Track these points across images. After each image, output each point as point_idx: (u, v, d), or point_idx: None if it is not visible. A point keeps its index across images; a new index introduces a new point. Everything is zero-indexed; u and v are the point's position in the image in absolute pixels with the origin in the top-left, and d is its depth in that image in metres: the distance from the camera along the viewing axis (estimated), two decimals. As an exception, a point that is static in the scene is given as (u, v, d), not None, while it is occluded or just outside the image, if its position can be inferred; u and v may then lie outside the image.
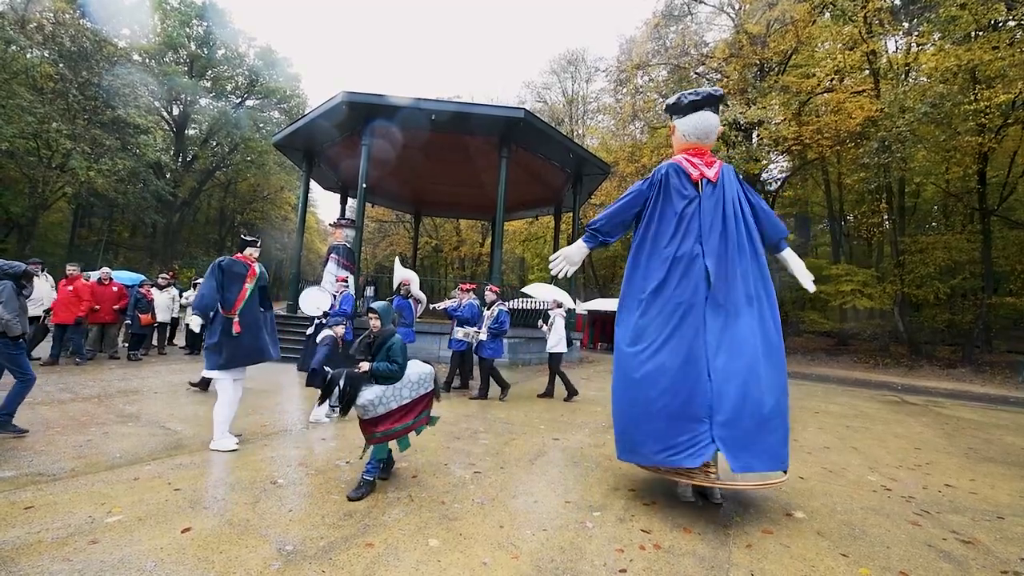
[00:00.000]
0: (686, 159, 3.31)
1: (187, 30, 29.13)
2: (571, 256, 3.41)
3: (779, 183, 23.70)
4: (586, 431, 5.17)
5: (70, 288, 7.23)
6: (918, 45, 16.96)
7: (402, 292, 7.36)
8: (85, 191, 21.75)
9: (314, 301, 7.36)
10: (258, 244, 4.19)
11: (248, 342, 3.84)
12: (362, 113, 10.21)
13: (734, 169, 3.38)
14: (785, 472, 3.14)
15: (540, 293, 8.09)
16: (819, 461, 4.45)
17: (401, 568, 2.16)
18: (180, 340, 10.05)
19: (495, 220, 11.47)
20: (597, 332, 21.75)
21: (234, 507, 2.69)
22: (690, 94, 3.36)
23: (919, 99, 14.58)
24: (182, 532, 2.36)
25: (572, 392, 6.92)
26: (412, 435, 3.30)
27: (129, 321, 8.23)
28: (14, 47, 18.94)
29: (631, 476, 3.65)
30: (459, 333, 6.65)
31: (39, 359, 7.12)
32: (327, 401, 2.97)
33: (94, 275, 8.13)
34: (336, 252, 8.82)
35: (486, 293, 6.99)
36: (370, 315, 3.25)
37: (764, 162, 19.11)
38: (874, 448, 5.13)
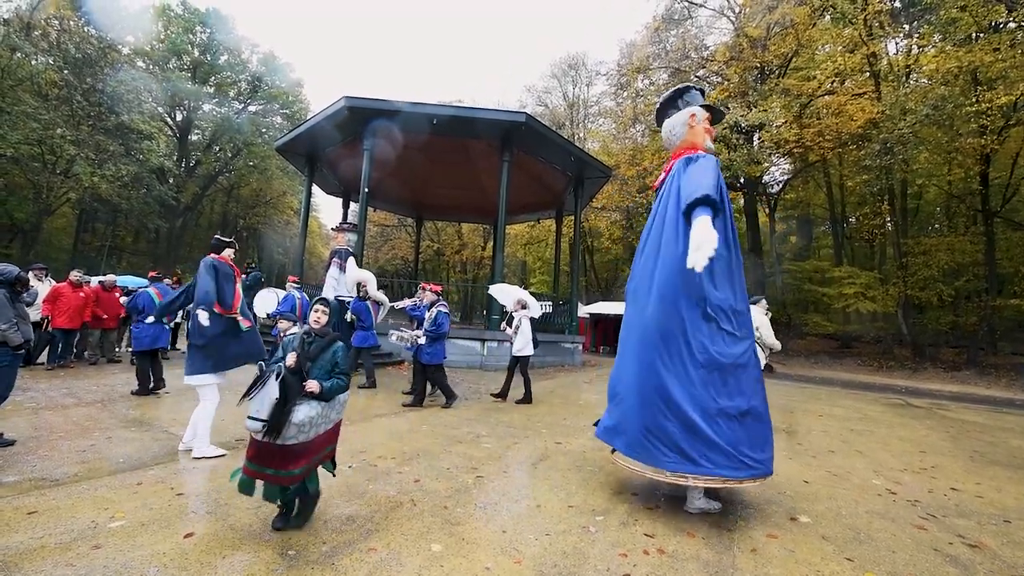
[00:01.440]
0: (674, 158, 3.34)
1: (191, 36, 29.39)
2: (713, 238, 2.62)
3: (781, 185, 23.71)
4: (589, 435, 5.16)
5: (82, 294, 7.33)
6: (919, 47, 17.00)
7: (360, 294, 7.31)
8: (89, 196, 21.91)
9: (262, 303, 7.28)
10: (235, 246, 4.16)
11: (249, 340, 3.90)
12: (364, 117, 10.25)
13: (687, 158, 3.12)
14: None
15: (503, 295, 7.86)
16: (823, 465, 4.42)
17: (403, 573, 2.15)
18: (183, 345, 10.08)
19: (497, 224, 11.49)
20: (600, 336, 21.72)
21: (237, 512, 2.69)
22: (672, 92, 3.44)
23: (920, 101, 14.59)
24: (185, 537, 2.36)
25: (527, 399, 6.73)
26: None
27: (393, 339, 8.27)
28: (19, 54, 19.13)
29: (634, 480, 3.63)
30: (393, 336, 6.33)
31: (43, 364, 7.16)
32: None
33: (124, 281, 8.26)
34: (338, 256, 8.82)
35: (427, 293, 6.58)
36: (319, 307, 2.68)
37: (765, 165, 19.12)
38: (879, 451, 5.10)
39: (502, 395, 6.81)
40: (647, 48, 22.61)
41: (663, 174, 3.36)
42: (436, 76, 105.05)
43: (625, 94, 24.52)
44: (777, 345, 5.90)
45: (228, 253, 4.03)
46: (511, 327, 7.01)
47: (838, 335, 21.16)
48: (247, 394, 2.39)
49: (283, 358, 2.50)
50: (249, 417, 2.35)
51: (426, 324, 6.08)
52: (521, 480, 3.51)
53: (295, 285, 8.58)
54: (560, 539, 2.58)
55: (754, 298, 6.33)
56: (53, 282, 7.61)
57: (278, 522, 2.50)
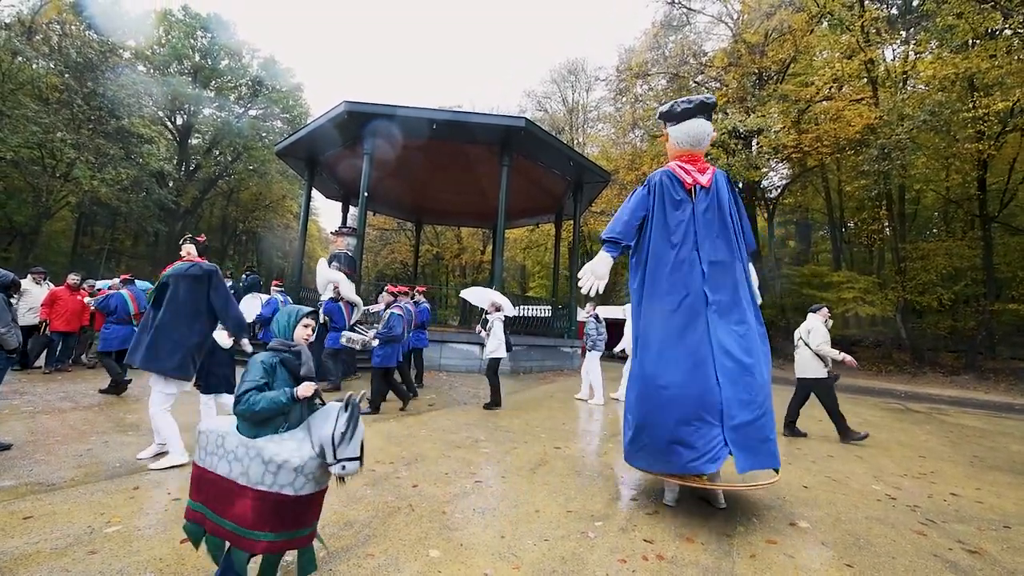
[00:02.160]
0: (678, 166, 3.39)
1: (192, 41, 29.52)
2: (597, 270, 3.28)
3: (779, 190, 23.79)
4: (587, 440, 5.15)
5: (79, 298, 7.31)
6: (916, 54, 17.12)
7: (333, 295, 7.27)
8: (88, 200, 21.92)
9: (245, 308, 7.21)
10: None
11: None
12: (363, 122, 10.28)
13: (726, 175, 3.46)
14: (777, 471, 3.21)
15: (477, 297, 7.84)
16: (823, 470, 4.41)
17: (401, 579, 2.14)
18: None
19: (496, 228, 11.50)
20: (598, 339, 21.68)
21: (234, 517, 2.67)
22: (683, 102, 3.42)
23: (918, 107, 14.68)
24: (181, 542, 2.34)
25: (495, 403, 6.52)
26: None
27: (342, 342, 8.29)
28: (20, 58, 19.19)
29: (633, 485, 3.62)
30: (343, 339, 6.21)
31: (40, 367, 7.13)
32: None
33: (103, 283, 8.25)
34: (338, 260, 8.84)
35: (383, 294, 6.48)
36: (308, 322, 2.12)
37: (764, 170, 19.20)
38: (878, 456, 5.09)
39: (494, 403, 6.60)
40: (646, 53, 22.75)
41: (702, 174, 3.35)
42: (435, 81, 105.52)
43: (624, 99, 24.63)
44: (833, 354, 5.71)
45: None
46: (485, 329, 6.90)
47: (836, 340, 21.14)
48: (340, 440, 1.77)
49: (274, 382, 1.90)
50: (348, 459, 1.79)
51: (380, 326, 5.88)
52: (519, 485, 3.50)
53: (279, 288, 8.49)
54: (559, 544, 2.57)
55: (814, 306, 6.28)
56: (52, 286, 7.60)
57: None
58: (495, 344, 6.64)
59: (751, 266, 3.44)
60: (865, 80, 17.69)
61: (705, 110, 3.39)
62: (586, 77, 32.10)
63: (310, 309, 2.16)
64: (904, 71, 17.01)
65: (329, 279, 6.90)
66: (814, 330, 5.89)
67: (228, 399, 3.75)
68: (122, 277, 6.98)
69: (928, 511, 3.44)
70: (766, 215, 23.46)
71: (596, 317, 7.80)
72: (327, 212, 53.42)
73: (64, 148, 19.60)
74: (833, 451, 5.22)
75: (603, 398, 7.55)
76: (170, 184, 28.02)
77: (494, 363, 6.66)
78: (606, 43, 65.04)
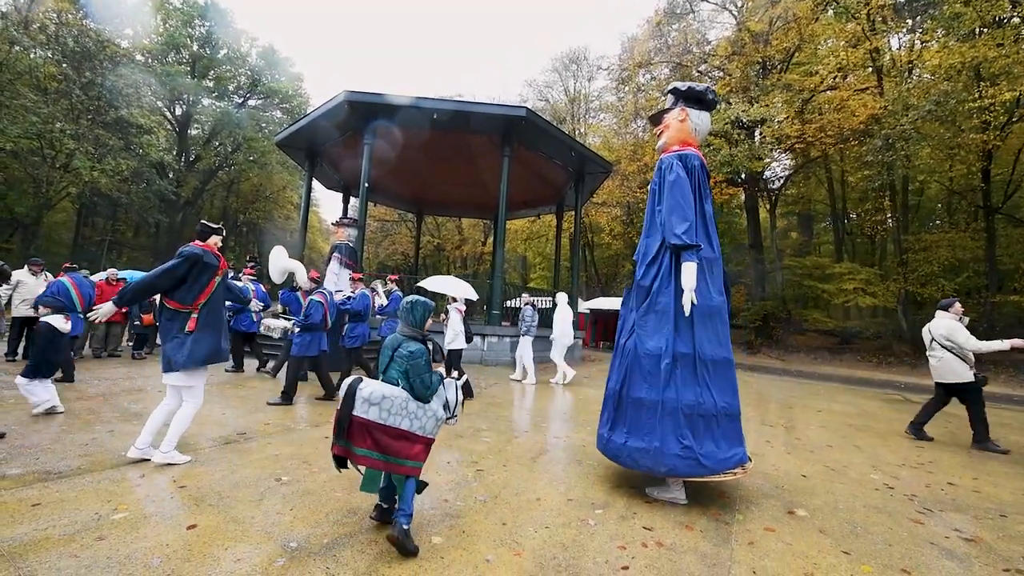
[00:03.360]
0: (700, 154, 3.25)
1: (189, 30, 29.22)
2: (692, 283, 2.96)
3: (782, 181, 23.66)
4: (588, 430, 5.18)
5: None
6: (921, 42, 16.92)
7: (291, 284, 7.26)
8: (89, 191, 21.86)
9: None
10: (223, 233, 3.79)
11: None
12: (364, 112, 10.22)
13: None
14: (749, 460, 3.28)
15: (441, 287, 7.93)
16: (821, 459, 4.44)
17: (405, 565, 2.17)
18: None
19: (497, 219, 11.48)
20: (600, 331, 21.76)
21: (239, 504, 2.71)
22: (713, 92, 3.28)
23: (923, 96, 14.54)
24: (187, 529, 2.38)
25: (468, 394, 6.61)
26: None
27: (137, 321, 8.31)
28: (17, 48, 19.04)
29: (633, 475, 3.65)
30: (261, 326, 6.15)
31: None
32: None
33: (100, 275, 8.21)
34: (339, 251, 8.84)
35: (307, 280, 6.43)
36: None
37: (767, 160, 19.07)
38: (877, 447, 5.12)
39: (467, 395, 6.61)
40: (648, 42, 22.51)
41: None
42: (435, 70, 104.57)
43: (626, 89, 24.41)
44: (995, 346, 5.14)
45: (214, 241, 3.65)
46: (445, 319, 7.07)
47: (838, 331, 21.20)
48: (456, 404, 2.63)
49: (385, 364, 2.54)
50: (454, 416, 2.64)
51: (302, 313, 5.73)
52: (520, 474, 3.53)
53: (251, 277, 8.16)
54: (559, 532, 2.60)
55: (943, 301, 5.66)
56: (50, 277, 7.61)
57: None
58: (451, 335, 6.65)
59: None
60: (870, 69, 17.51)
61: (715, 108, 3.37)
62: (588, 66, 31.80)
63: (433, 304, 2.71)
64: (910, 60, 16.82)
65: (286, 268, 6.81)
66: (955, 331, 5.29)
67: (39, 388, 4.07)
68: (64, 265, 6.56)
69: (925, 500, 3.47)
70: (768, 206, 23.35)
71: (532, 305, 8.51)
72: (328, 203, 53.37)
73: (63, 139, 19.51)
74: (832, 441, 5.25)
75: (535, 378, 8.17)
76: (170, 175, 27.94)
77: (454, 356, 6.67)
78: (608, 32, 64.33)
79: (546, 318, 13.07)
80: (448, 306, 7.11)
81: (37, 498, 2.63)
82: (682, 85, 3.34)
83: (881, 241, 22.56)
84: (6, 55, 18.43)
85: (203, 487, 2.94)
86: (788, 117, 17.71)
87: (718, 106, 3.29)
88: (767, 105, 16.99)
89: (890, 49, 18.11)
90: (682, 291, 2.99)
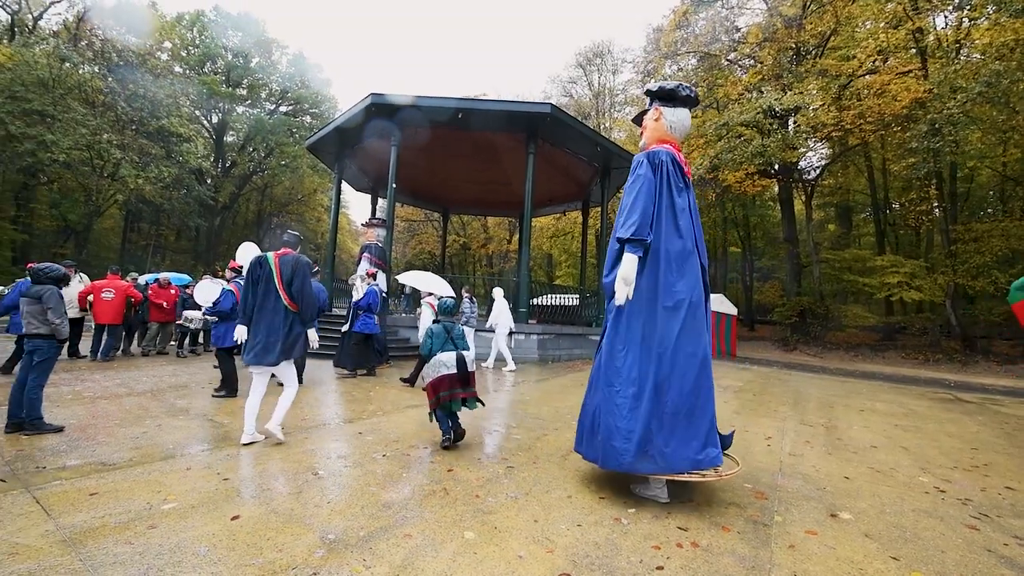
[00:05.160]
0: (676, 151, 3.21)
1: (224, 41, 30.32)
2: (628, 276, 2.96)
3: (818, 171, 22.76)
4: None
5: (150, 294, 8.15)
6: (970, 20, 15.88)
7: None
8: (134, 198, 23.00)
9: (204, 293, 7.22)
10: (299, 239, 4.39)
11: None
12: (390, 114, 10.38)
13: None
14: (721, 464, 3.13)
15: (415, 282, 8.02)
16: (865, 461, 4.26)
17: (439, 559, 2.20)
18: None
19: (523, 217, 11.47)
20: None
21: (278, 497, 2.80)
22: (686, 88, 3.24)
23: (972, 78, 13.69)
24: (231, 519, 2.48)
25: (412, 380, 6.76)
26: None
27: (180, 321, 8.73)
28: (68, 64, 20.18)
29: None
30: (181, 318, 6.46)
31: (85, 356, 7.65)
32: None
33: (149, 277, 8.80)
34: (368, 251, 9.02)
35: (227, 271, 6.49)
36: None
37: (802, 150, 18.36)
38: (926, 448, 4.87)
39: (410, 380, 6.82)
40: (675, 33, 21.99)
41: (686, 166, 3.27)
42: (458, 69, 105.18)
43: (652, 81, 23.93)
44: None
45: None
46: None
47: (879, 327, 20.25)
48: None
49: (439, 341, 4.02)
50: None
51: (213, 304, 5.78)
52: (551, 471, 3.52)
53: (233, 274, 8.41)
54: (592, 530, 2.58)
55: None
56: (85, 278, 8.05)
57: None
58: (423, 329, 6.86)
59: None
60: (913, 51, 16.60)
61: (696, 104, 3.35)
62: (612, 59, 31.36)
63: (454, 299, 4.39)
64: (957, 39, 15.84)
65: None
66: None
67: None
68: (28, 265, 6.62)
69: (981, 505, 3.28)
70: (803, 197, 22.49)
71: (471, 298, 9.03)
72: (356, 205, 54.56)
73: (110, 149, 20.58)
74: (876, 442, 5.03)
75: (513, 364, 9.03)
76: (208, 181, 29.10)
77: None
78: (633, 24, 63.24)
79: (567, 314, 13.01)
80: (423, 301, 7.41)
81: (94, 488, 2.79)
82: (653, 85, 3.32)
83: (927, 232, 21.41)
84: (58, 71, 19.56)
85: (245, 479, 3.06)
86: (824, 104, 16.99)
87: (692, 97, 3.33)
88: (801, 92, 16.35)
89: (935, 28, 17.10)
90: (641, 288, 3.00)
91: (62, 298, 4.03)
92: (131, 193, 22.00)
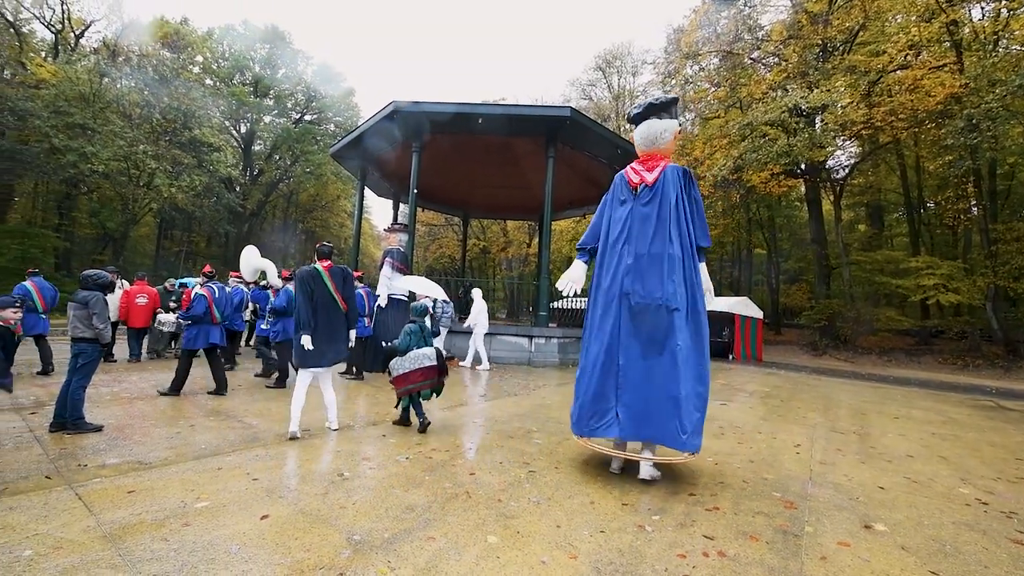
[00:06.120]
0: (631, 167, 3.75)
1: (252, 53, 31.32)
2: (573, 275, 3.81)
3: (847, 170, 22.07)
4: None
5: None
6: (1008, 10, 15.21)
7: (261, 283, 7.44)
8: (168, 206, 23.88)
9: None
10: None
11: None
12: (411, 121, 10.53)
13: (684, 170, 3.63)
14: (692, 454, 3.46)
15: (414, 286, 8.04)
16: (901, 470, 4.10)
17: (462, 562, 2.22)
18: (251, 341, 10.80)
19: (543, 220, 11.46)
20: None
21: (306, 497, 2.86)
22: (634, 107, 3.78)
23: (1012, 70, 13.11)
24: (261, 519, 2.55)
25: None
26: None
27: (155, 324, 9.07)
28: (107, 79, 21.13)
29: (690, 480, 3.53)
30: (156, 322, 6.79)
31: (116, 360, 7.96)
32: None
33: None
34: (391, 256, 9.13)
35: (277, 278, 6.79)
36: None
37: (830, 149, 17.83)
38: (966, 458, 4.66)
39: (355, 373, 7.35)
40: (696, 32, 21.71)
41: (650, 172, 3.62)
42: (477, 77, 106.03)
43: (673, 82, 23.65)
44: None
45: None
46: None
47: (914, 331, 19.45)
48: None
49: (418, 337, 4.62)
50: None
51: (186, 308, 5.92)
52: (574, 476, 3.50)
53: (237, 279, 8.37)
54: (615, 537, 2.56)
55: None
56: (125, 283, 8.37)
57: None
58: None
59: (699, 262, 3.61)
60: (947, 44, 15.98)
61: (655, 111, 3.65)
62: (632, 61, 31.18)
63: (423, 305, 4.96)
64: (995, 31, 15.19)
65: (257, 266, 7.02)
66: None
67: None
68: (28, 271, 6.94)
69: (1028, 518, 3.12)
70: (832, 198, 21.85)
71: (446, 301, 9.13)
72: (378, 210, 55.45)
73: (146, 159, 21.43)
74: (913, 451, 4.83)
75: (488, 364, 9.34)
76: (237, 189, 30.01)
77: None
78: (653, 25, 62.70)
79: (577, 317, 12.92)
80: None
81: (132, 486, 2.91)
82: (629, 112, 3.90)
83: (965, 232, 20.50)
84: (99, 86, 20.51)
85: (273, 480, 3.13)
86: (853, 101, 16.49)
87: (640, 112, 3.66)
88: (829, 90, 15.89)
89: (971, 20, 16.42)
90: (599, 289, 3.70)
91: (107, 304, 4.22)
92: (165, 201, 22.85)
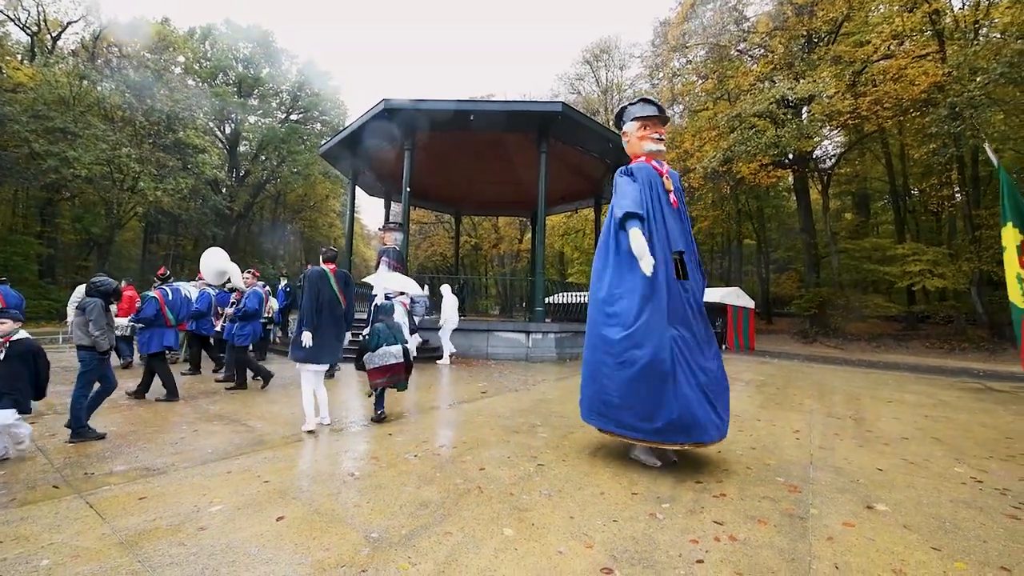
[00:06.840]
0: (656, 162, 4.03)
1: (235, 52, 30.84)
2: (644, 250, 3.23)
3: (834, 160, 22.39)
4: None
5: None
6: (989, -1, 15.52)
7: (226, 287, 7.42)
8: (153, 210, 23.56)
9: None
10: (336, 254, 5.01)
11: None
12: (402, 119, 10.48)
13: (676, 175, 4.05)
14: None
15: (391, 283, 7.98)
16: (898, 452, 4.21)
17: (481, 555, 2.25)
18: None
19: (535, 216, 11.49)
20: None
21: (319, 498, 2.87)
22: (621, 111, 4.22)
23: (993, 58, 13.36)
24: (277, 520, 2.56)
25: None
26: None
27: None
28: (87, 82, 20.72)
29: (697, 469, 3.59)
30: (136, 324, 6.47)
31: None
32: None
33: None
34: (386, 255, 9.11)
35: (242, 282, 6.77)
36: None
37: (817, 139, 18.07)
38: (959, 438, 4.79)
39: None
40: (682, 25, 21.81)
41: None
42: (466, 70, 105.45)
43: (661, 75, 23.81)
44: None
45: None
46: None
47: (902, 316, 19.85)
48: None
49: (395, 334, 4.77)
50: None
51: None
52: (582, 468, 3.55)
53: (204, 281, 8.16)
54: (628, 525, 2.61)
55: None
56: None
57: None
58: None
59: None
60: (930, 33, 16.25)
61: (618, 123, 4.03)
62: (620, 55, 31.25)
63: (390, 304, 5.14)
64: (976, 20, 15.47)
65: (222, 270, 6.93)
66: None
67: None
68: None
69: (1020, 494, 3.22)
70: (819, 187, 22.16)
71: (426, 296, 9.26)
72: (368, 210, 55.00)
73: (130, 162, 21.09)
74: (907, 433, 4.96)
75: (448, 359, 9.48)
76: (223, 191, 29.64)
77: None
78: (640, 18, 62.77)
79: (582, 312, 12.99)
80: (394, 300, 7.53)
81: (142, 492, 2.90)
82: (620, 108, 4.24)
83: (949, 218, 20.94)
84: (78, 89, 20.10)
85: (284, 481, 3.14)
86: (839, 92, 16.72)
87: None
88: (815, 81, 16.10)
89: (952, 10, 16.70)
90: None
91: (105, 311, 4.15)
92: (150, 205, 22.54)
